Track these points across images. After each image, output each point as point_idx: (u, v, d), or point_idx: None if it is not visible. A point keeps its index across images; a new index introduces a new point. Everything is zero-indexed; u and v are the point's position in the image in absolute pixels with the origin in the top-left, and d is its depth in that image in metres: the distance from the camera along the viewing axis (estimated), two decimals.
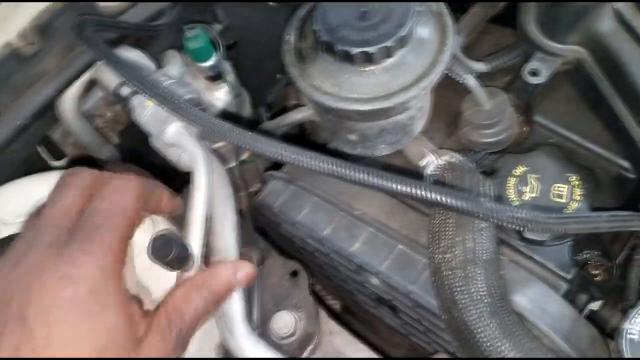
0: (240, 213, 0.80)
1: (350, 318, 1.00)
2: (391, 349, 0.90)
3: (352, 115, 0.59)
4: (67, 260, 0.41)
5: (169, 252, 0.51)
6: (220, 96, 0.91)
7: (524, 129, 0.73)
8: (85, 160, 0.99)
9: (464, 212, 0.48)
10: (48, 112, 0.82)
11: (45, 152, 0.93)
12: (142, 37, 0.87)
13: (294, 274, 0.73)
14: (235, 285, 0.52)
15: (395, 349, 0.89)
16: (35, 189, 0.70)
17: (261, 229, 0.85)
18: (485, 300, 0.52)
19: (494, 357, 0.50)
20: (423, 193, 0.48)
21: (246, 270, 0.53)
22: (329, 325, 0.70)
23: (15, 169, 0.79)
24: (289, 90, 1.05)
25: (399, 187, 0.48)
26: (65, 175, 0.50)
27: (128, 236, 0.46)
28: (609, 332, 0.61)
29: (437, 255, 0.55)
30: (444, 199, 0.47)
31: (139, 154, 1.03)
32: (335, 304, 1.05)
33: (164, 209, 0.54)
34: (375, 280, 0.69)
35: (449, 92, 0.75)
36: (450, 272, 0.53)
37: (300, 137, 0.85)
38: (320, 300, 0.72)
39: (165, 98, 0.55)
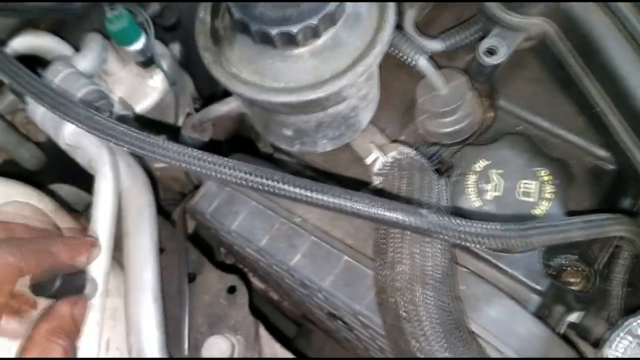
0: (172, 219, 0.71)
1: (312, 326, 0.92)
2: None
3: (279, 108, 0.50)
4: None
5: (52, 284, 0.42)
6: (153, 84, 0.81)
7: (488, 115, 0.64)
8: (9, 164, 0.89)
9: (406, 228, 0.39)
10: None
11: None
12: (63, 20, 0.77)
13: (232, 289, 0.64)
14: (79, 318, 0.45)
15: None
16: None
17: (195, 237, 0.76)
18: (437, 328, 0.43)
19: None
20: (354, 206, 0.39)
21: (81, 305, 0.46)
22: (273, 348, 0.62)
23: None
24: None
25: (324, 198, 0.39)
26: None
27: None
28: (593, 342, 0.53)
29: (382, 271, 0.46)
30: (380, 212, 0.38)
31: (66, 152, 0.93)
32: (297, 310, 0.96)
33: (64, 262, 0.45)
34: (321, 296, 0.60)
35: (402, 74, 0.66)
36: (396, 293, 0.44)
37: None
38: (263, 318, 0.63)
39: (44, 94, 0.45)
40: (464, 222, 0.38)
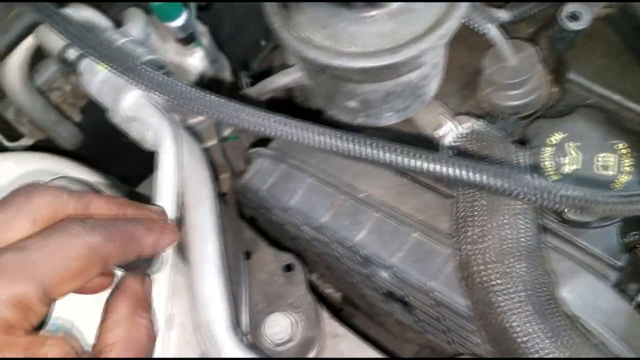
0: (223, 198, 0.69)
1: (354, 311, 0.90)
2: (402, 345, 0.80)
3: (352, 76, 0.48)
4: None
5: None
6: (194, 62, 0.79)
7: (553, 89, 0.62)
8: (46, 145, 0.87)
9: (504, 192, 0.37)
10: None
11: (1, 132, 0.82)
12: None
13: (288, 268, 0.62)
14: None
15: (407, 345, 0.79)
16: None
17: (248, 215, 0.74)
18: (532, 301, 0.41)
19: None
20: (450, 170, 0.37)
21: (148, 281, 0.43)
22: (333, 326, 0.59)
23: None
24: (274, 55, 0.93)
25: (418, 163, 0.37)
26: (18, 194, 0.38)
27: (50, 297, 0.34)
28: None
29: (466, 246, 0.44)
30: (477, 176, 0.36)
31: (104, 134, 0.91)
32: (335, 294, 0.94)
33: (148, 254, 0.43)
34: (385, 274, 0.58)
35: (462, 48, 0.64)
36: (483, 268, 0.42)
37: (290, 105, 0.72)
38: (319, 296, 0.61)
39: (115, 58, 0.43)
40: (567, 186, 0.36)
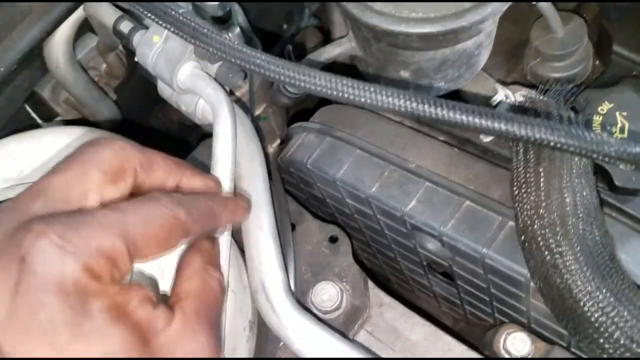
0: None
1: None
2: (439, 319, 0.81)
3: (412, 42, 0.48)
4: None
5: None
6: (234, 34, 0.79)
7: (597, 62, 0.62)
8: (80, 124, 0.88)
9: (568, 148, 0.37)
10: (35, 60, 0.70)
11: (34, 112, 0.82)
12: None
13: (333, 239, 0.63)
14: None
15: (441, 319, 0.80)
16: (23, 150, 0.59)
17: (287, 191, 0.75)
18: (592, 261, 0.42)
19: (606, 327, 0.41)
20: (518, 128, 0.37)
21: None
22: (379, 296, 0.60)
23: (2, 125, 0.69)
24: (307, 33, 0.94)
25: (483, 121, 0.38)
26: (85, 147, 0.39)
27: (135, 257, 0.36)
28: None
29: (526, 211, 0.45)
30: (543, 133, 0.37)
31: (137, 114, 0.92)
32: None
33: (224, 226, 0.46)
34: (432, 245, 0.59)
35: (506, 21, 0.64)
36: (546, 230, 0.43)
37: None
38: (364, 268, 0.62)
39: (179, 23, 0.44)
40: (629, 141, 0.37)
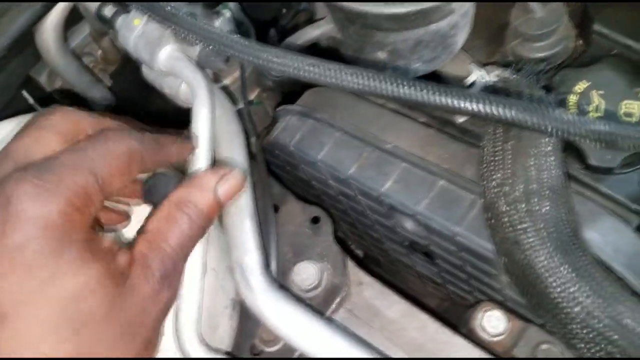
0: (251, 156, 0.70)
1: (375, 268, 0.92)
2: (423, 299, 0.82)
3: (384, 23, 0.49)
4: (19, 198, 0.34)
5: (165, 192, 0.43)
6: (220, 24, 0.80)
7: (579, 41, 0.62)
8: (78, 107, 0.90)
9: (535, 126, 0.38)
10: (27, 46, 0.72)
11: (31, 97, 0.84)
12: None
13: (315, 220, 0.64)
14: (223, 197, 0.45)
15: (427, 299, 0.81)
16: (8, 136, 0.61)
17: (273, 174, 0.76)
18: (555, 238, 0.42)
19: (568, 303, 0.42)
20: (480, 106, 0.38)
21: (234, 177, 0.46)
22: (358, 275, 0.62)
23: None
24: (300, 16, 0.94)
25: (449, 100, 0.39)
26: (39, 115, 0.42)
27: (104, 190, 0.38)
28: None
29: (492, 189, 0.46)
30: (511, 112, 0.38)
31: (133, 99, 0.94)
32: (357, 252, 0.97)
33: (174, 160, 0.47)
34: (409, 224, 0.60)
35: (487, 3, 0.65)
36: (510, 207, 0.44)
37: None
38: (346, 248, 0.63)
39: (154, 7, 0.45)
40: (595, 121, 0.37)
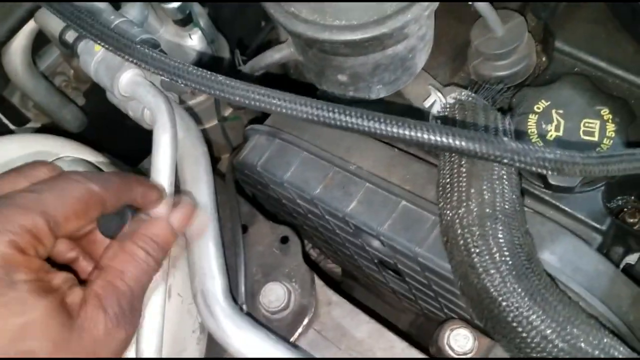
0: (222, 176, 0.71)
1: (352, 283, 0.92)
2: (398, 314, 0.83)
3: (340, 49, 0.49)
4: None
5: (122, 224, 0.43)
6: (192, 43, 0.81)
7: (542, 58, 0.63)
8: (50, 129, 0.89)
9: (482, 156, 0.38)
10: None
11: (5, 117, 0.84)
12: None
13: (284, 240, 0.64)
14: (177, 226, 0.45)
15: (403, 314, 0.81)
16: None
17: (247, 192, 0.76)
18: (509, 262, 0.43)
19: (523, 327, 0.42)
20: (428, 136, 0.38)
21: (186, 205, 0.47)
22: (327, 295, 0.62)
23: None
24: (272, 35, 0.94)
25: (399, 130, 0.39)
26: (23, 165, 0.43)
27: (56, 232, 0.38)
28: None
29: (448, 212, 0.46)
30: (456, 141, 0.38)
31: (108, 117, 0.93)
32: (336, 268, 0.97)
33: (139, 203, 0.46)
34: (376, 243, 0.60)
35: (452, 20, 0.65)
36: (465, 230, 0.44)
37: (284, 81, 0.74)
38: (316, 267, 0.63)
39: (109, 37, 0.45)
40: (543, 148, 0.38)
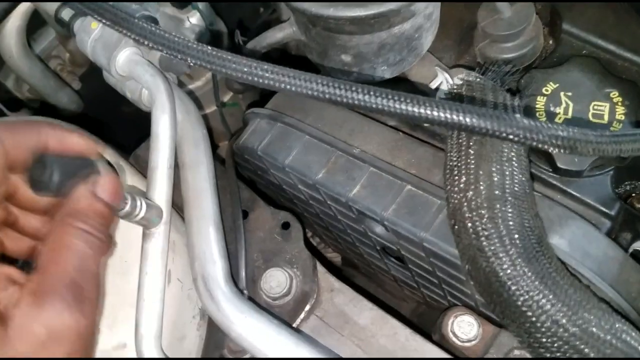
0: (222, 162, 0.69)
1: (353, 271, 0.91)
2: (400, 303, 0.82)
3: (344, 26, 0.47)
4: None
5: (50, 176, 0.36)
6: (190, 25, 0.79)
7: (550, 41, 0.61)
8: (48, 111, 0.88)
9: (494, 133, 0.37)
10: None
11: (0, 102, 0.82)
12: None
13: (285, 225, 0.62)
14: (107, 196, 0.38)
15: (404, 302, 0.80)
16: None
17: (246, 177, 0.74)
18: (519, 245, 0.42)
19: (533, 311, 0.41)
20: (438, 113, 0.37)
21: (105, 174, 0.39)
22: (329, 281, 0.61)
23: None
24: (272, 19, 0.93)
25: (409, 108, 0.38)
26: None
27: None
28: None
29: (456, 195, 0.45)
30: (466, 118, 0.37)
31: (105, 101, 0.92)
32: (336, 257, 0.96)
33: (54, 145, 0.39)
34: (379, 229, 0.59)
35: (457, 1, 0.64)
36: (473, 214, 0.43)
37: (286, 61, 0.72)
38: (318, 254, 0.62)
39: (107, 12, 0.43)
40: (556, 125, 0.36)
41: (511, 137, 0.36)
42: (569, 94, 0.53)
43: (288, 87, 0.38)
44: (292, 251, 0.60)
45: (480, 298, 0.55)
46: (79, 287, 0.34)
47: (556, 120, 0.52)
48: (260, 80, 0.39)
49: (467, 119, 0.36)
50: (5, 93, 0.84)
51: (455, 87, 0.50)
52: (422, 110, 0.37)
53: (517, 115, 0.37)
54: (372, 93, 0.38)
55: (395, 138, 0.56)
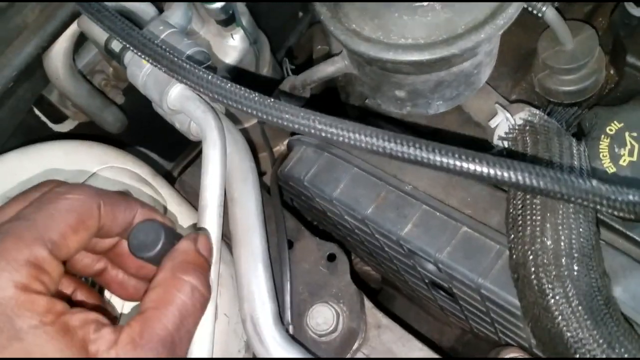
0: (261, 176, 0.68)
1: (393, 291, 0.90)
2: (443, 327, 0.80)
3: (403, 67, 0.46)
4: None
5: (156, 243, 0.39)
6: (234, 43, 0.78)
7: (611, 71, 0.59)
8: (89, 127, 0.88)
9: (564, 198, 0.35)
10: (36, 70, 0.70)
11: (44, 115, 0.83)
12: None
13: (331, 257, 0.61)
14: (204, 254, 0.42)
15: (448, 327, 0.79)
16: (24, 164, 0.60)
17: (289, 202, 0.74)
18: (586, 307, 0.40)
19: None
20: (509, 174, 0.35)
21: (204, 238, 0.43)
22: (377, 317, 0.59)
23: (7, 137, 0.69)
24: (315, 30, 0.91)
25: (466, 165, 0.36)
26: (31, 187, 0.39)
27: (58, 255, 0.35)
28: None
29: (520, 247, 0.43)
30: (534, 181, 0.35)
31: (146, 116, 0.92)
32: (375, 275, 0.94)
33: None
34: (431, 267, 0.57)
35: (516, 27, 0.61)
36: (540, 269, 0.41)
37: (332, 93, 0.71)
38: (362, 286, 0.61)
39: (159, 56, 0.42)
40: (630, 191, 0.34)
41: (583, 202, 0.34)
42: (634, 134, 0.50)
43: (351, 142, 0.37)
44: (339, 285, 0.59)
45: (534, 342, 0.53)
46: (174, 344, 0.35)
47: (620, 162, 0.50)
48: (319, 134, 0.38)
49: (540, 183, 0.35)
50: (49, 106, 0.84)
51: (517, 128, 0.48)
52: (493, 172, 0.35)
53: (588, 179, 0.35)
54: (443, 152, 0.36)
55: (448, 175, 0.55)
